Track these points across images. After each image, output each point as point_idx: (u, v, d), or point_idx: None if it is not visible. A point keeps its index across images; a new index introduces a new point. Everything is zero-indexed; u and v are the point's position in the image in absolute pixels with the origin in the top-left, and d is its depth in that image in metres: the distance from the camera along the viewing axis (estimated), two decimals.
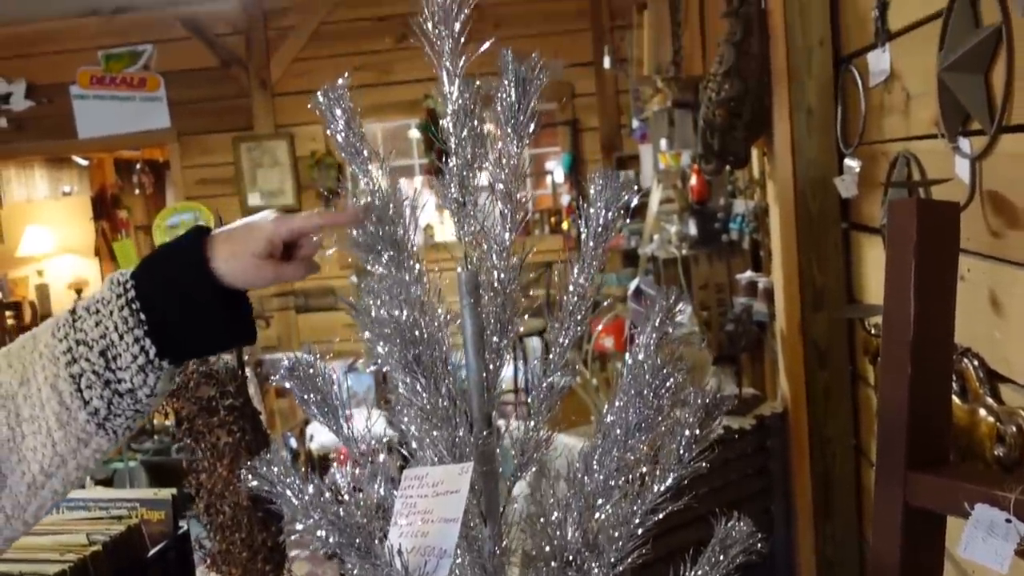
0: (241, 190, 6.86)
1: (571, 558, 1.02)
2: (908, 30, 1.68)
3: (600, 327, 3.60)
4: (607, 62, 5.79)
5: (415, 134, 6.97)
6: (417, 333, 0.98)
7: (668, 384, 1.02)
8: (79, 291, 8.80)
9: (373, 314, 1.02)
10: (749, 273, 3.02)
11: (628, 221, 1.11)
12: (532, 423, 1.09)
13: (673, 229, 3.81)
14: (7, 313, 7.69)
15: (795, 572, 2.39)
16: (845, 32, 2.10)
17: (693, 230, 3.60)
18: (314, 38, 6.67)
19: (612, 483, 1.05)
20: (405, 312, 0.98)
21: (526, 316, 1.12)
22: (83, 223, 9.01)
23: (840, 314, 2.16)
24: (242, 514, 1.46)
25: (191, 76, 6.84)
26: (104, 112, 6.90)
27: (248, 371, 2.12)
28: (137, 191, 9.74)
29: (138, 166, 9.60)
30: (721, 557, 1.04)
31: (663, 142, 4.43)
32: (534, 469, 1.10)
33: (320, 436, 4.72)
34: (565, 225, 6.62)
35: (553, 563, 1.02)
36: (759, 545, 1.05)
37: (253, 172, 6.86)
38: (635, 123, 5.53)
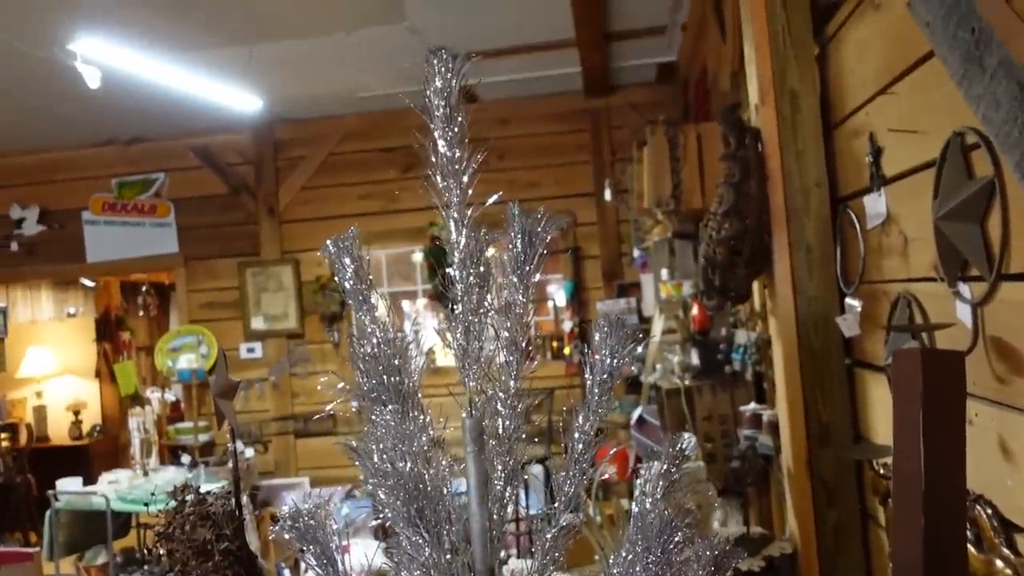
0: (245, 314, 6.90)
1: None
2: (902, 176, 1.72)
3: (604, 460, 3.54)
4: (608, 194, 5.94)
5: (419, 258, 7.06)
6: (421, 486, 0.97)
7: (676, 539, 0.99)
8: (77, 412, 8.72)
9: (376, 459, 1.01)
10: (753, 405, 3.00)
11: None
12: None
13: (676, 359, 3.81)
14: (2, 435, 7.59)
15: None
16: (842, 175, 2.15)
17: (696, 360, 3.60)
18: (322, 168, 6.83)
19: None
20: (408, 465, 0.97)
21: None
22: (85, 344, 9.01)
23: (848, 455, 2.13)
24: None
25: (201, 203, 6.99)
26: (114, 237, 7.03)
27: (244, 498, 2.07)
28: (141, 313, 9.80)
29: (144, 288, 9.70)
30: None
31: (664, 272, 4.48)
32: None
33: None
34: (567, 351, 6.62)
35: None
36: None
37: (258, 296, 6.91)
38: (636, 252, 5.61)
